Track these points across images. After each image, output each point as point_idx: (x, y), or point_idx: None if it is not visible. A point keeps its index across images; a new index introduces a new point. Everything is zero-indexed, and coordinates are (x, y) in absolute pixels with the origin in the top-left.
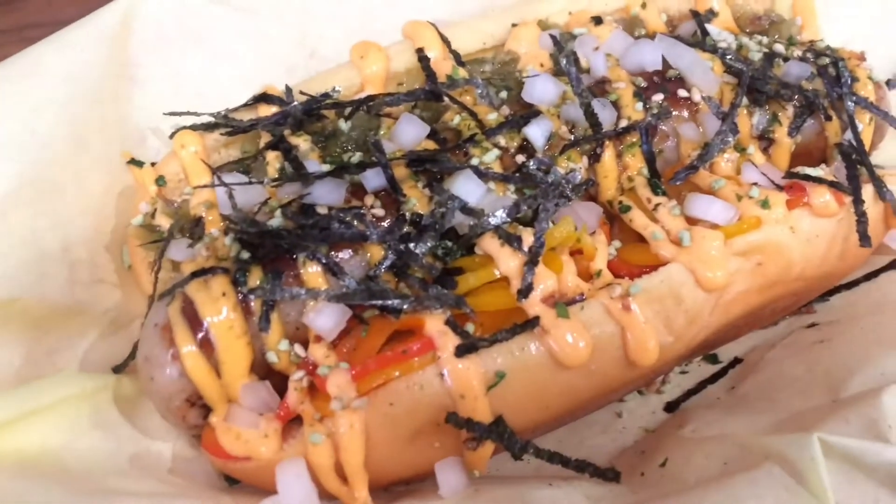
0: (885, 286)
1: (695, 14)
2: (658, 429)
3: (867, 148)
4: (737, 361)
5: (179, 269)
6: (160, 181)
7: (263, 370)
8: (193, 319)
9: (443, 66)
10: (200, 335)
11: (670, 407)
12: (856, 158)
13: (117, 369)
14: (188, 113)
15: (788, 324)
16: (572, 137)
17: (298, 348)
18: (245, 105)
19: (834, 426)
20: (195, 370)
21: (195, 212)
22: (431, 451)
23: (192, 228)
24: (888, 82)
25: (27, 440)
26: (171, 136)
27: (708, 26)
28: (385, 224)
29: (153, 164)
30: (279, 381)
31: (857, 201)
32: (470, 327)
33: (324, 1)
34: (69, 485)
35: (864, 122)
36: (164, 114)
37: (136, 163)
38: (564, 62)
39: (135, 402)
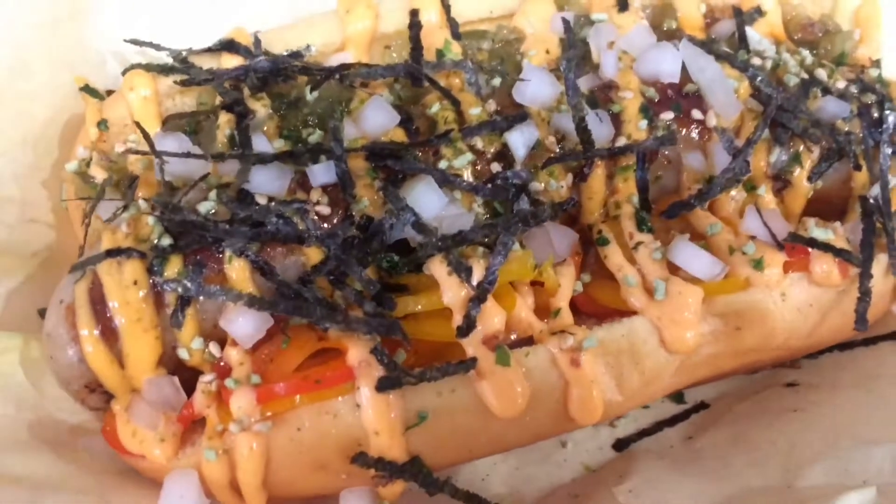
0: (881, 355)
1: (737, 13)
2: (599, 470)
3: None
4: (702, 406)
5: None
6: (102, 125)
7: (174, 363)
8: (100, 303)
9: (436, 37)
10: (105, 322)
11: (620, 445)
12: (877, 220)
13: (44, 312)
14: (149, 44)
15: (768, 376)
16: (558, 150)
17: (214, 347)
18: (208, 50)
19: None
20: (95, 359)
21: (132, 168)
22: (339, 481)
23: (127, 187)
24: None
25: None
26: (124, 73)
27: (749, 30)
28: (330, 224)
29: (109, 93)
30: (192, 376)
31: (865, 276)
32: (401, 354)
33: None
34: None
35: None
36: (125, 40)
37: (90, 90)
38: (564, 65)
39: (43, 367)
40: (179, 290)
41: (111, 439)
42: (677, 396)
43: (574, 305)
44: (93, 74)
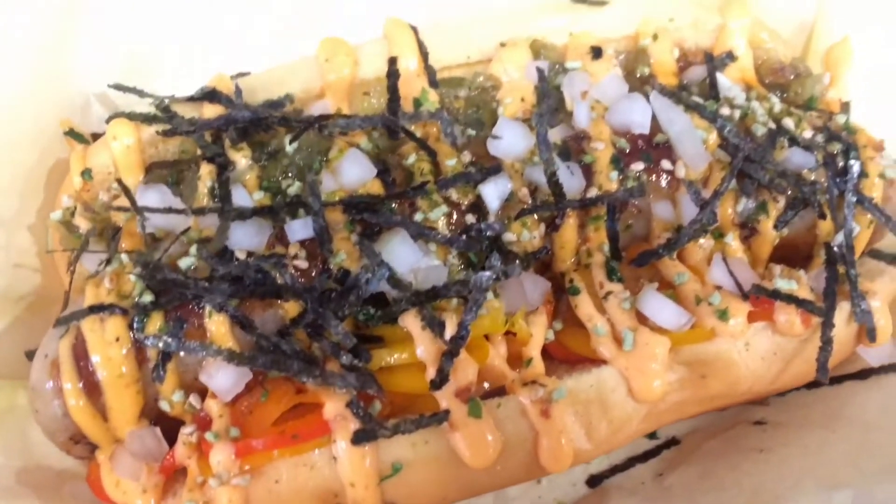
0: (845, 395)
1: (708, 59)
2: None
3: (862, 249)
4: (673, 442)
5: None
6: (86, 174)
7: (157, 414)
8: (83, 359)
9: (414, 85)
10: (88, 377)
11: (593, 481)
12: (840, 267)
13: (31, 354)
14: (133, 90)
15: (737, 412)
16: (531, 202)
17: (194, 399)
18: (190, 98)
19: None
20: (78, 412)
21: (115, 218)
22: None
23: (111, 237)
24: None
25: None
26: (108, 122)
27: (720, 76)
28: (307, 277)
29: (94, 136)
30: (175, 425)
31: (827, 326)
32: (377, 406)
33: None
34: None
35: (864, 225)
36: (109, 86)
37: (74, 135)
38: (536, 120)
39: (30, 413)
40: (160, 345)
41: (95, 488)
42: (650, 433)
43: (547, 352)
44: (78, 117)
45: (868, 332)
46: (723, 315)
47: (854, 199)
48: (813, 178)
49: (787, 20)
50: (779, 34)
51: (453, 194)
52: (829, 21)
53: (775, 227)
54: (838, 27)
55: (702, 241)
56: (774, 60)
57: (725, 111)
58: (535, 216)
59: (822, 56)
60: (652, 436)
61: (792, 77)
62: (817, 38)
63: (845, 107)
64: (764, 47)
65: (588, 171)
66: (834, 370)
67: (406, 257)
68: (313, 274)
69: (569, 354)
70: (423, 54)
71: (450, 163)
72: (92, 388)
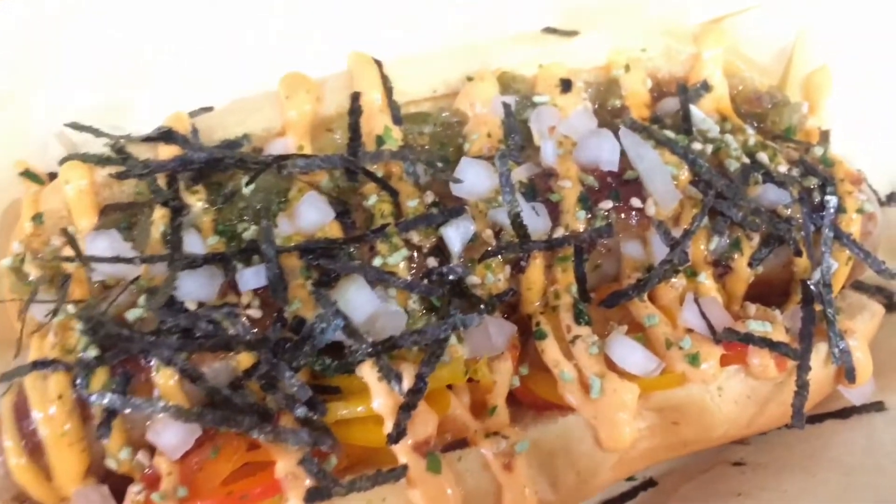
0: (826, 435)
1: (681, 90)
2: None
3: (841, 285)
4: (651, 484)
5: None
6: (37, 219)
7: (104, 471)
8: (25, 417)
9: (377, 122)
10: (31, 435)
11: None
12: (817, 307)
13: None
14: (89, 129)
15: (716, 452)
16: (495, 243)
17: (143, 455)
18: (147, 138)
19: None
20: (20, 472)
21: (66, 267)
22: None
23: (61, 285)
24: (891, 196)
25: None
26: (61, 163)
27: (693, 108)
28: (262, 327)
29: (52, 176)
30: (122, 483)
31: (803, 369)
32: (332, 461)
33: None
34: None
35: (842, 261)
36: (65, 125)
37: (31, 175)
38: (498, 162)
39: None
40: (105, 402)
41: None
42: None
43: (515, 397)
44: (35, 157)
45: (847, 373)
46: (694, 359)
47: (831, 234)
48: (788, 213)
49: (764, 47)
50: (755, 62)
51: (414, 237)
52: (808, 48)
53: (750, 264)
54: (818, 54)
55: (674, 280)
56: (751, 89)
57: (697, 146)
58: (500, 258)
59: (801, 84)
60: (629, 477)
61: (769, 106)
62: (796, 66)
63: (825, 136)
64: (740, 76)
65: (555, 210)
66: (815, 409)
67: (363, 305)
68: (267, 323)
69: (536, 399)
70: (387, 89)
71: (411, 203)
72: (35, 447)
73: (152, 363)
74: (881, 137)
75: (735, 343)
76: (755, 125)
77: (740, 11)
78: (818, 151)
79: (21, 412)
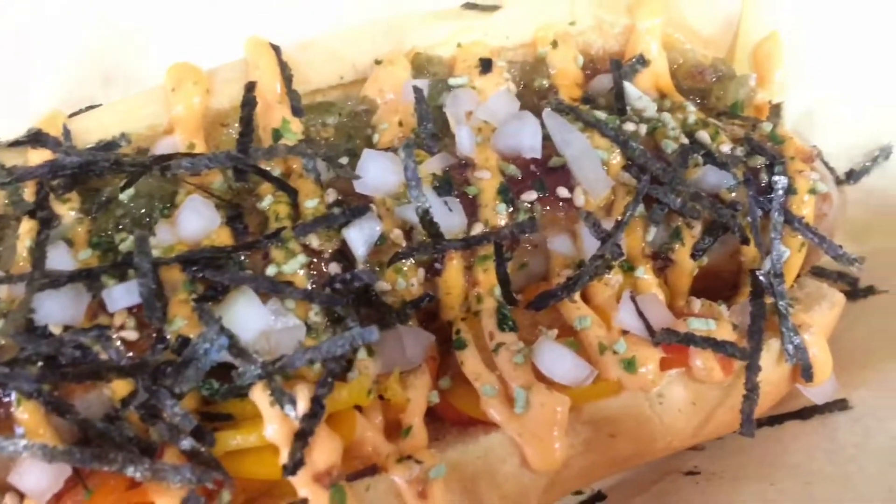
0: (786, 438)
1: (614, 66)
2: None
3: (795, 274)
4: (599, 497)
5: None
6: None
7: None
8: None
9: (274, 114)
10: None
11: None
12: (767, 299)
13: None
14: None
15: (668, 460)
16: (405, 245)
17: (10, 499)
18: (13, 143)
19: None
20: None
21: None
22: None
23: None
24: (849, 173)
25: None
26: None
27: (628, 85)
28: (139, 349)
29: None
30: None
31: (752, 370)
32: (225, 497)
33: None
34: None
35: (794, 248)
36: None
37: None
38: (403, 153)
39: None
40: None
41: None
42: None
43: (434, 413)
44: None
45: (803, 371)
46: (630, 365)
47: (781, 219)
48: (733, 197)
49: (709, 17)
50: (699, 33)
51: (314, 241)
52: (756, 16)
53: (693, 256)
54: (767, 21)
55: (609, 276)
56: (693, 63)
57: (631, 126)
58: (412, 260)
59: (749, 55)
60: (576, 491)
61: (714, 80)
62: (744, 36)
63: (776, 110)
64: (680, 48)
65: (472, 205)
66: (774, 409)
67: (253, 320)
68: (145, 346)
69: (458, 416)
70: (286, 77)
71: (310, 204)
72: None
73: (11, 397)
74: (837, 109)
75: (676, 345)
76: (698, 102)
77: None
78: (766, 128)
79: None
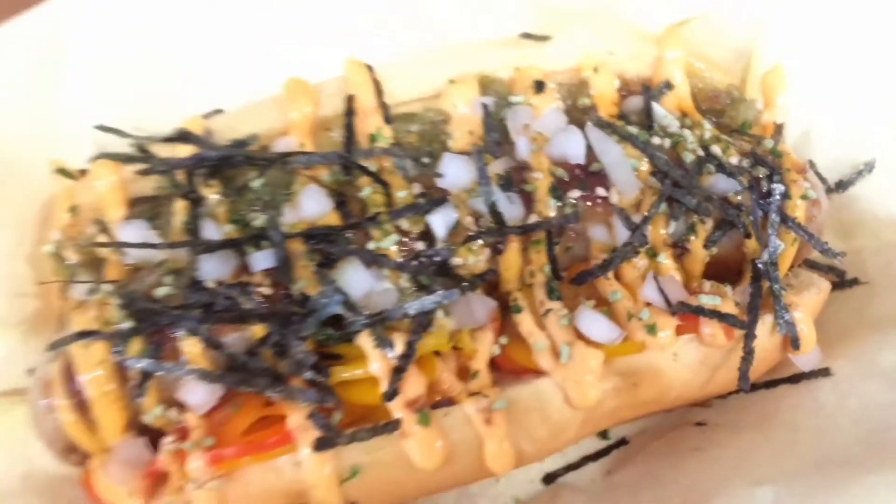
0: (778, 398)
1: (645, 90)
2: (528, 502)
3: (788, 265)
4: (623, 442)
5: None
6: (74, 211)
7: (140, 425)
8: (72, 380)
9: (370, 122)
10: (77, 395)
11: (548, 479)
12: (763, 284)
13: (32, 372)
14: (115, 131)
15: (681, 414)
16: (476, 229)
17: (174, 413)
18: (166, 139)
19: None
20: (70, 427)
21: (100, 251)
22: None
23: (96, 267)
24: (839, 183)
25: None
26: (92, 161)
27: (655, 106)
28: (272, 302)
29: (83, 172)
30: (158, 435)
31: (749, 337)
32: (336, 416)
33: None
34: None
35: (788, 242)
36: (94, 127)
37: (64, 172)
38: (476, 157)
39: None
40: (140, 366)
41: (89, 492)
42: (602, 433)
43: (495, 365)
44: (67, 152)
45: (792, 342)
46: (651, 329)
47: (777, 218)
48: (738, 200)
49: (726, 49)
50: (717, 62)
51: (404, 223)
52: (765, 49)
53: (705, 246)
54: (774, 54)
55: (636, 260)
56: (710, 88)
57: (657, 140)
58: (480, 242)
59: (758, 81)
60: (604, 436)
61: (728, 102)
62: (755, 65)
63: (778, 129)
64: (700, 76)
65: (529, 200)
66: (769, 374)
67: (359, 283)
68: (277, 299)
69: (515, 366)
70: (378, 92)
71: (401, 194)
72: (82, 405)
73: (179, 333)
74: (830, 130)
75: (689, 315)
76: (714, 120)
77: (700, 16)
78: (768, 144)
79: (69, 376)
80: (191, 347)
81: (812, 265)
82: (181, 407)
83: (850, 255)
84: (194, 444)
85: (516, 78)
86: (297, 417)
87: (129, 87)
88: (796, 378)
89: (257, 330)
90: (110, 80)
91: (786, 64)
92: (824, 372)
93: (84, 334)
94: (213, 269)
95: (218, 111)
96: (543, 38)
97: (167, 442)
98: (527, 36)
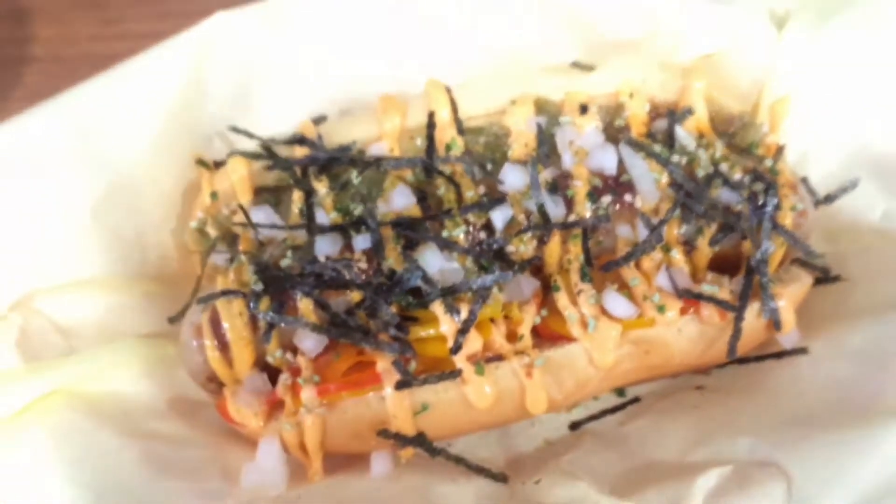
0: (766, 369)
1: (670, 114)
2: (556, 443)
3: (777, 263)
4: (636, 400)
5: (218, 272)
6: (214, 196)
7: (264, 364)
8: (217, 326)
9: (446, 133)
10: (220, 338)
11: (574, 426)
12: (755, 277)
13: (172, 320)
14: (245, 132)
15: (684, 380)
16: (526, 223)
17: (290, 356)
18: (286, 141)
19: (651, 496)
20: (213, 361)
21: (235, 229)
22: (369, 446)
23: (232, 240)
24: (827, 197)
25: (100, 386)
26: (228, 157)
27: (678, 128)
28: (367, 274)
29: (216, 164)
30: (276, 372)
31: (738, 319)
32: (413, 364)
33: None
34: (120, 425)
35: (778, 245)
36: (229, 129)
37: (202, 163)
38: (530, 169)
39: (177, 361)
40: (267, 319)
41: (223, 413)
42: (620, 392)
43: (536, 331)
44: (203, 149)
45: (774, 324)
46: (661, 309)
47: (769, 225)
48: (739, 209)
49: (743, 79)
50: (732, 91)
51: (471, 217)
52: (773, 81)
53: (710, 245)
54: (782, 87)
55: (654, 254)
56: (725, 113)
57: (676, 158)
58: (529, 234)
59: (768, 108)
60: (620, 394)
61: (739, 126)
62: (765, 95)
63: (780, 150)
64: (718, 103)
65: (570, 202)
66: (759, 350)
67: (435, 263)
68: (371, 272)
69: (552, 333)
70: (454, 108)
71: (469, 194)
72: (223, 346)
73: (297, 295)
74: (823, 152)
75: (692, 299)
76: (727, 141)
77: (722, 52)
78: (768, 163)
79: (215, 323)
80: (305, 306)
81: (804, 264)
82: (296, 351)
83: (836, 256)
84: (305, 380)
85: (565, 101)
86: (383, 364)
87: (255, 95)
88: (780, 354)
89: (355, 295)
90: (241, 91)
91: (791, 94)
92: (803, 350)
93: (227, 292)
94: (324, 247)
95: (323, 117)
96: (590, 68)
97: (284, 377)
98: (576, 65)
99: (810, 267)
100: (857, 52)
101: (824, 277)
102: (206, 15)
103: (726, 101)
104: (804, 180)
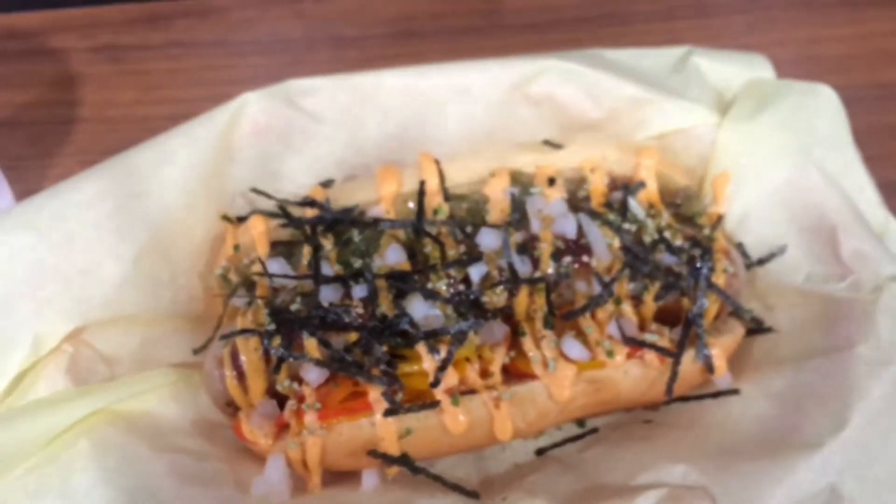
0: (703, 407)
1: (624, 187)
2: (522, 466)
3: (713, 317)
4: (594, 430)
5: (237, 313)
6: (237, 248)
7: (274, 392)
8: (236, 359)
9: (434, 199)
10: (238, 369)
11: (540, 452)
12: (692, 328)
13: (197, 352)
14: (264, 193)
15: (636, 414)
16: (498, 278)
17: (296, 385)
18: (299, 203)
19: None
20: (232, 389)
21: (254, 278)
22: (362, 462)
23: (251, 286)
24: (759, 260)
25: (135, 407)
26: (249, 214)
27: (630, 200)
28: (363, 318)
29: (239, 219)
30: (284, 399)
31: (675, 364)
32: (399, 395)
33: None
34: (151, 440)
35: (712, 302)
36: (251, 190)
37: (227, 219)
38: (502, 231)
39: (199, 388)
40: (278, 354)
41: (238, 433)
42: (581, 423)
43: (505, 369)
44: (228, 206)
45: (707, 368)
46: (610, 354)
47: (705, 284)
48: (679, 270)
49: (688, 157)
50: (681, 166)
51: (452, 272)
52: (717, 159)
53: (654, 300)
54: (725, 162)
55: (606, 306)
56: (672, 186)
57: (627, 226)
58: (501, 287)
59: (711, 181)
60: (581, 425)
61: (685, 197)
62: (710, 170)
63: (719, 218)
64: (667, 177)
65: (536, 261)
66: (698, 389)
67: (420, 310)
68: (366, 317)
69: (518, 371)
70: (442, 178)
71: (451, 252)
72: (240, 376)
73: (304, 334)
74: (756, 220)
75: (636, 346)
76: (674, 211)
77: (673, 133)
78: (706, 231)
79: (234, 356)
80: (310, 344)
81: (738, 315)
82: (301, 382)
83: (766, 311)
84: (308, 406)
85: (536, 174)
86: (374, 394)
87: (273, 161)
88: (716, 395)
89: (352, 336)
90: (261, 159)
91: (730, 171)
92: (735, 391)
93: (245, 331)
94: (327, 295)
95: (330, 181)
96: (558, 146)
97: (291, 404)
98: (547, 142)
99: (744, 320)
100: (784, 136)
101: (756, 328)
102: (231, 82)
103: (675, 177)
104: (739, 245)
